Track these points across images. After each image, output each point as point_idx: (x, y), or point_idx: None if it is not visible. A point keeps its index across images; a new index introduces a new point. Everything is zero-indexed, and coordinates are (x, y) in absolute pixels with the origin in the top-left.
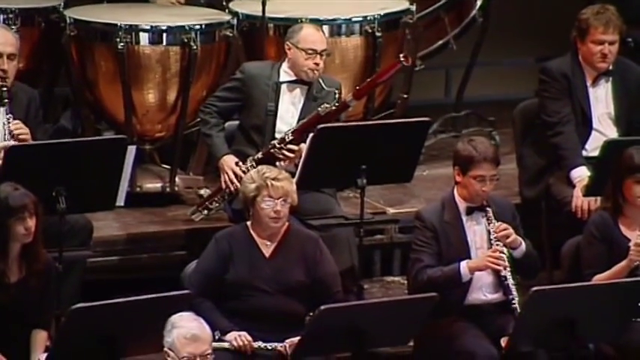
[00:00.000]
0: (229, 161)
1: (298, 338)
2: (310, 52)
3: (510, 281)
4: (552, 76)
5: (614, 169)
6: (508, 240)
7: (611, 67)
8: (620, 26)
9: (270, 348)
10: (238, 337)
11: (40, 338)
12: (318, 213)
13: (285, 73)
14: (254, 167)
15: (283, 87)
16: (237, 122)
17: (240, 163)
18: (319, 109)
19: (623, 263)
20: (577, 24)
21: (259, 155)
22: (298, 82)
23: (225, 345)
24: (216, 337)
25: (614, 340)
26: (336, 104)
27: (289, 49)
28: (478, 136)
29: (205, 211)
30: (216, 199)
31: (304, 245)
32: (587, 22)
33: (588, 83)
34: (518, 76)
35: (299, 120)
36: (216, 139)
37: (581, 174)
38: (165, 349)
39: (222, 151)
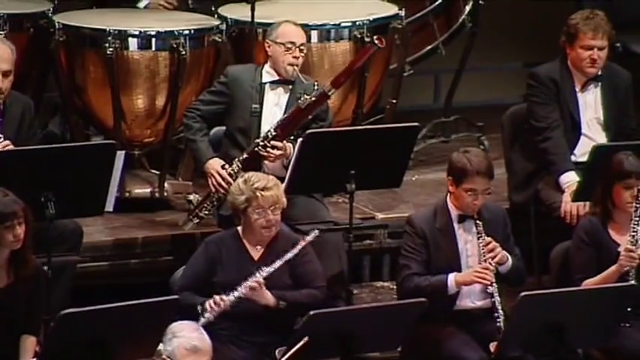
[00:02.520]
0: (215, 164)
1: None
2: (289, 45)
3: (497, 298)
4: (541, 82)
5: (604, 174)
6: (495, 260)
7: (600, 73)
8: (609, 32)
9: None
10: (211, 301)
11: (29, 344)
12: (307, 218)
13: (268, 74)
14: (240, 168)
15: (267, 88)
16: (223, 128)
17: (227, 166)
18: (299, 101)
19: (613, 268)
20: (566, 29)
21: (245, 155)
22: (281, 81)
23: (205, 316)
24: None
25: (602, 345)
26: (315, 96)
27: (269, 46)
28: (474, 148)
29: (196, 220)
30: (206, 205)
31: (300, 262)
32: (577, 28)
33: (577, 88)
34: (506, 82)
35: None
36: (200, 143)
37: (570, 179)
38: (164, 357)
39: (207, 155)
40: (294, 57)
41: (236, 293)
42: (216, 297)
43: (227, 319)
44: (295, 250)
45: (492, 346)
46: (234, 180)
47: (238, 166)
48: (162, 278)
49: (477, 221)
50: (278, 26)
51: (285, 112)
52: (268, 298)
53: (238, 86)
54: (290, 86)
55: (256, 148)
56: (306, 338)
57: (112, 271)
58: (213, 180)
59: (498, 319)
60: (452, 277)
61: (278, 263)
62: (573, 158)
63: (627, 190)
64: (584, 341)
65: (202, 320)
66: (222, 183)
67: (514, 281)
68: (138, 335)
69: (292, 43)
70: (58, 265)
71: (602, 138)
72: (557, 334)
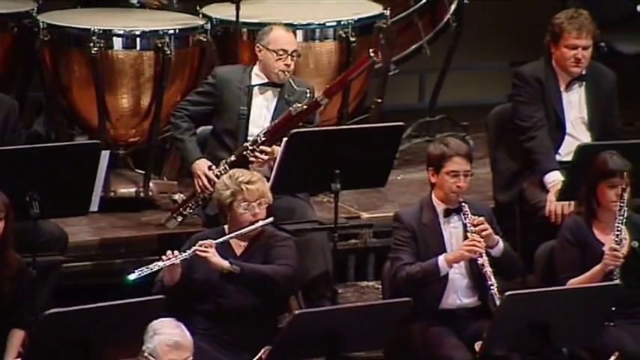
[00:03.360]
0: (202, 165)
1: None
2: (281, 53)
3: (488, 269)
4: (525, 81)
5: (588, 173)
6: (484, 233)
7: (584, 72)
8: (593, 31)
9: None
10: (198, 246)
11: (17, 338)
12: (292, 218)
13: (257, 76)
14: (227, 170)
15: (255, 90)
16: (210, 127)
17: (214, 167)
18: (291, 108)
19: (597, 267)
20: (550, 28)
21: (232, 158)
22: (269, 84)
23: (159, 264)
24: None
25: (588, 344)
26: (307, 104)
27: (260, 51)
28: (450, 137)
29: (180, 218)
30: (190, 204)
31: (274, 244)
32: (561, 27)
33: (562, 88)
34: (491, 81)
35: (271, 122)
36: (188, 143)
37: (554, 179)
38: (146, 354)
39: (194, 155)
40: (286, 64)
41: (186, 253)
42: (169, 252)
43: (205, 317)
44: (252, 227)
45: (477, 346)
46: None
47: (225, 168)
48: (147, 278)
49: (463, 203)
50: (270, 31)
51: (273, 115)
52: (221, 262)
53: (226, 87)
54: (279, 89)
55: (245, 152)
56: (266, 348)
57: (96, 271)
58: (200, 181)
59: (492, 288)
60: (442, 257)
61: (229, 236)
62: (558, 157)
63: (612, 189)
64: (569, 340)
65: (157, 264)
66: (208, 185)
67: (509, 269)
68: (123, 335)
69: (284, 50)
70: (44, 266)
71: (586, 137)
72: (542, 334)
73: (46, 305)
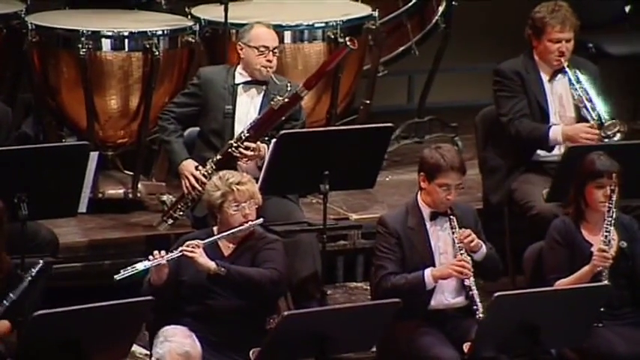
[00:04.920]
0: (189, 166)
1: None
2: (262, 49)
3: (475, 291)
4: (505, 76)
5: (576, 174)
6: (472, 244)
7: (566, 64)
8: (575, 23)
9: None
10: (185, 246)
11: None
12: (281, 219)
13: (240, 75)
14: (214, 169)
15: (239, 89)
16: (197, 129)
17: (200, 167)
18: (272, 102)
19: (586, 268)
20: (531, 22)
21: (218, 157)
22: (253, 82)
23: (177, 253)
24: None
25: (576, 345)
26: (288, 97)
27: (241, 49)
28: (445, 144)
29: (170, 220)
30: (179, 206)
31: (262, 247)
32: (543, 21)
33: (545, 79)
34: (480, 82)
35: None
36: (175, 144)
37: (557, 129)
38: (154, 359)
39: (181, 156)
40: (268, 60)
41: (173, 253)
42: (156, 252)
43: (194, 318)
44: (241, 228)
45: (466, 347)
46: (209, 181)
47: (212, 167)
48: (136, 279)
49: (451, 216)
50: (250, 29)
51: (259, 112)
52: (207, 263)
53: (211, 88)
54: (264, 87)
55: (229, 150)
56: (254, 350)
57: (85, 272)
58: (187, 182)
59: (477, 312)
60: (428, 272)
61: (218, 236)
62: (543, 156)
63: (599, 190)
64: (557, 341)
65: (145, 263)
66: (196, 185)
67: (490, 271)
68: (112, 336)
69: (265, 47)
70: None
71: None
72: (531, 335)
73: (35, 306)
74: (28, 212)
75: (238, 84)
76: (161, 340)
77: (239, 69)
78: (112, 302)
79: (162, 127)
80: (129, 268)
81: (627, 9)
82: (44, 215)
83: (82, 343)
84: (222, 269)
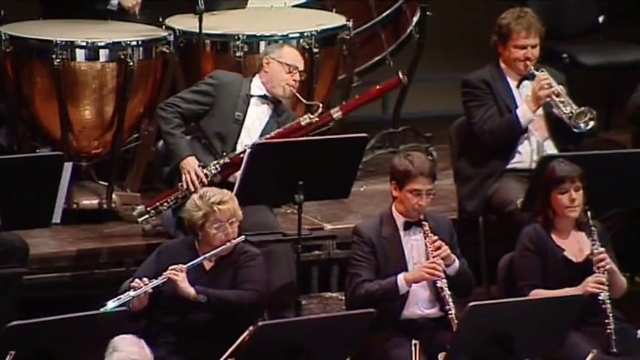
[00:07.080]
0: (192, 162)
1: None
2: (293, 68)
3: (447, 292)
4: (473, 86)
5: (540, 183)
6: (442, 255)
7: (533, 70)
8: (540, 29)
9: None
10: (170, 270)
11: None
12: (257, 228)
13: (257, 87)
14: (217, 170)
15: (253, 100)
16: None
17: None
18: (300, 119)
19: (572, 290)
20: (497, 29)
21: (226, 160)
22: (268, 97)
23: (131, 294)
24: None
25: (550, 354)
26: (319, 116)
27: (268, 63)
28: (415, 151)
29: (153, 212)
30: (169, 200)
31: (244, 263)
32: (509, 28)
33: (513, 85)
34: (454, 92)
35: (262, 134)
36: (180, 139)
37: (522, 107)
38: None
39: (186, 151)
40: (295, 80)
41: (156, 280)
42: (138, 280)
43: (171, 330)
44: (223, 247)
45: (441, 357)
46: (208, 181)
47: (216, 168)
48: (111, 289)
49: (424, 222)
50: (282, 46)
51: (264, 127)
52: (188, 289)
53: (225, 91)
54: (273, 106)
55: (241, 155)
56: None
57: (59, 283)
58: (188, 176)
59: (450, 312)
60: (401, 277)
61: (200, 259)
62: (515, 163)
63: (563, 195)
64: (532, 351)
65: (130, 294)
66: (196, 182)
67: (463, 286)
68: (86, 347)
69: (296, 67)
70: (4, 278)
71: (543, 132)
72: (505, 344)
73: (8, 317)
74: (2, 223)
75: (253, 95)
76: (110, 352)
77: (256, 81)
78: (85, 313)
79: (167, 119)
80: (115, 300)
81: (601, 19)
82: (18, 226)
83: (55, 353)
84: (202, 296)
